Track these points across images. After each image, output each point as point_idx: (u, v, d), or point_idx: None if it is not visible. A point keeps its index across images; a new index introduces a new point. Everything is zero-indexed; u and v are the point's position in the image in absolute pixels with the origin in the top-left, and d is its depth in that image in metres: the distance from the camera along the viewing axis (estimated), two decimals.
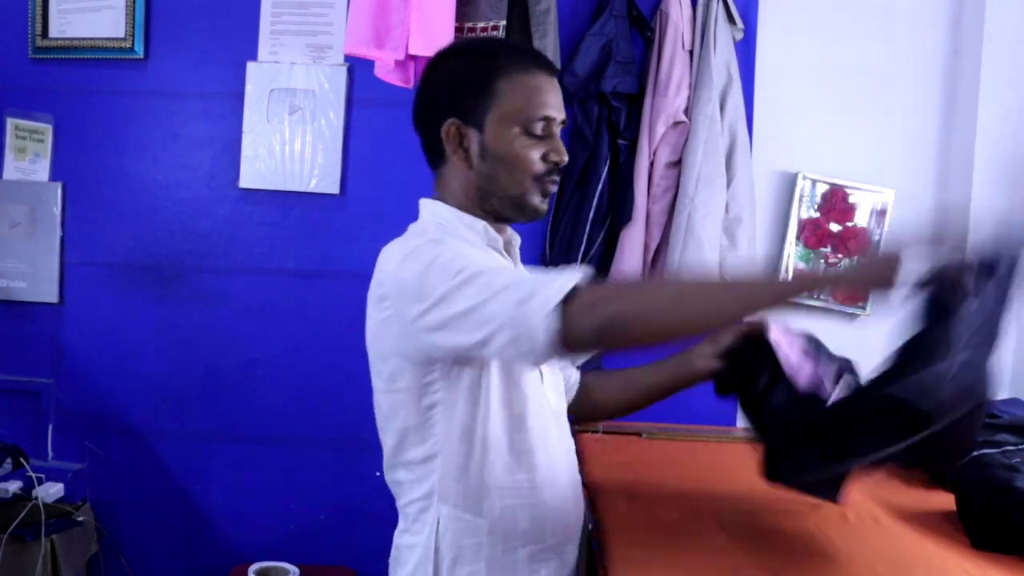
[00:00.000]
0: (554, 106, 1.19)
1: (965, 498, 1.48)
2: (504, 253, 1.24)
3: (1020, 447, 1.49)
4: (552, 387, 1.26)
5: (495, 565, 1.16)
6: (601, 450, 1.78)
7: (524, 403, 1.17)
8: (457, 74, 1.21)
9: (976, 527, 1.39)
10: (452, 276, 1.02)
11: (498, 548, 1.16)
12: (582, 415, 1.46)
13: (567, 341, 0.95)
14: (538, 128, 1.17)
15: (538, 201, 1.20)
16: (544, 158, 1.18)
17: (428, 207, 1.24)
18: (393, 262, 1.11)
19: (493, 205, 1.20)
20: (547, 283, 0.97)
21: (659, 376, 1.39)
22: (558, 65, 2.23)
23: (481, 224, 1.20)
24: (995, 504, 1.37)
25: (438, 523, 1.16)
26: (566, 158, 1.20)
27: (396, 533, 1.24)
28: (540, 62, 1.21)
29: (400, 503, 1.23)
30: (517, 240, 1.30)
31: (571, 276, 0.97)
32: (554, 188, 1.22)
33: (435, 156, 1.24)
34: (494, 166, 1.18)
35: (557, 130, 1.21)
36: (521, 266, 1.32)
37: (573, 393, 1.44)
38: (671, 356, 1.37)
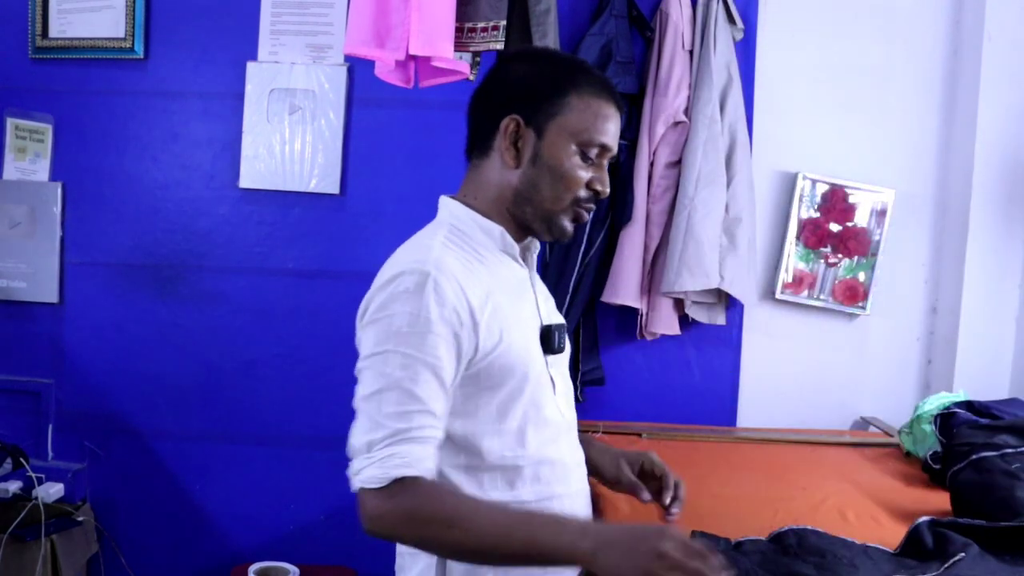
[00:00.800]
0: (613, 137, 1.19)
1: (962, 500, 1.48)
2: (520, 260, 1.22)
3: (1020, 450, 1.48)
4: (564, 397, 1.23)
5: None
6: None
7: (524, 417, 1.14)
8: (533, 75, 1.19)
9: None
10: (372, 348, 1.05)
11: None
12: None
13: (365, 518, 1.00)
14: (593, 153, 1.17)
15: (567, 225, 1.19)
16: (588, 184, 1.18)
17: (447, 206, 1.22)
18: (380, 281, 1.11)
19: (525, 213, 1.19)
20: (378, 448, 1.00)
21: (598, 463, 1.32)
22: None
23: (498, 230, 1.19)
24: (995, 511, 1.36)
25: None
26: (608, 191, 1.20)
27: None
28: (614, 95, 1.21)
29: None
30: (536, 246, 1.28)
31: (386, 464, 0.99)
32: (586, 216, 1.21)
33: (480, 147, 1.21)
34: (541, 175, 1.16)
35: (606, 163, 1.20)
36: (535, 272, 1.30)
37: None
38: (614, 451, 1.33)
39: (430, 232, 1.19)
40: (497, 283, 1.15)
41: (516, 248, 1.21)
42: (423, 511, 0.99)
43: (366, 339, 1.07)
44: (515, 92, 1.18)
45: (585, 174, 1.17)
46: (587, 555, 0.94)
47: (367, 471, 1.00)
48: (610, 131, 1.18)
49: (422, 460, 1.01)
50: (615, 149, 1.20)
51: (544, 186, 1.17)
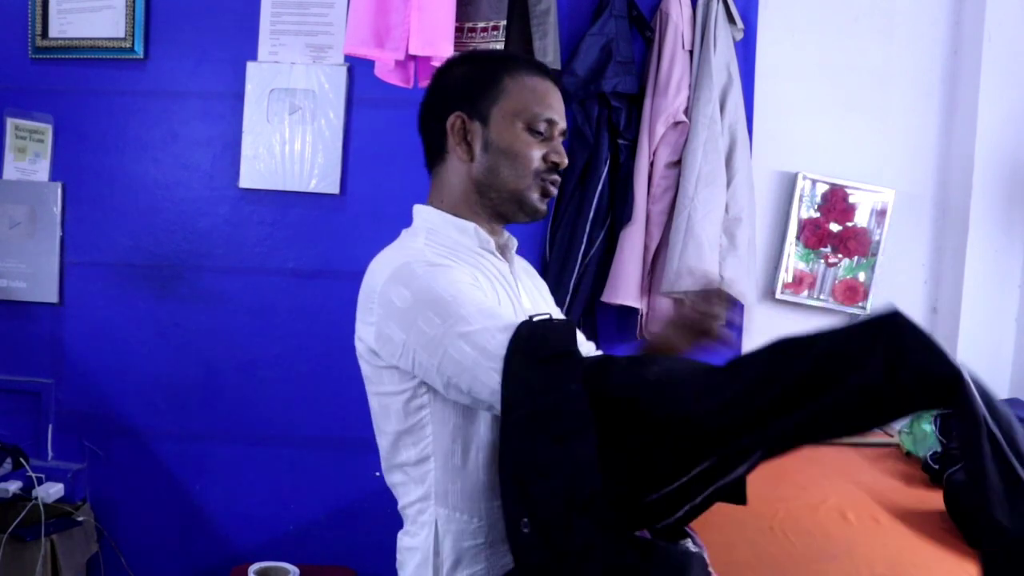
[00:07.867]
0: (557, 110, 1.23)
1: (953, 499, 1.49)
2: (497, 254, 1.24)
3: None
4: None
5: (496, 566, 1.15)
6: None
7: None
8: (467, 72, 1.24)
9: (964, 527, 1.41)
10: (441, 324, 1.05)
11: (500, 549, 1.15)
12: None
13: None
14: (541, 127, 1.21)
15: (536, 199, 1.22)
16: (544, 158, 1.21)
17: (420, 213, 1.26)
18: (381, 277, 1.12)
19: (492, 200, 1.22)
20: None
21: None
22: (558, 65, 2.24)
23: (472, 226, 1.21)
24: (978, 507, 1.37)
25: (436, 525, 1.16)
26: (566, 161, 1.24)
27: (399, 535, 1.23)
28: (545, 70, 1.26)
29: (400, 505, 1.22)
30: (514, 243, 1.30)
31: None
32: (554, 190, 1.24)
33: (435, 155, 1.25)
34: (496, 159, 1.20)
35: (558, 135, 1.24)
36: (519, 266, 1.32)
37: None
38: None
39: (409, 238, 1.22)
40: (481, 274, 1.18)
41: (491, 243, 1.23)
42: None
43: (423, 322, 1.06)
44: (454, 92, 1.23)
45: (539, 150, 1.21)
46: None
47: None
48: (552, 105, 1.22)
49: None
50: (561, 123, 1.24)
51: (502, 168, 1.20)
